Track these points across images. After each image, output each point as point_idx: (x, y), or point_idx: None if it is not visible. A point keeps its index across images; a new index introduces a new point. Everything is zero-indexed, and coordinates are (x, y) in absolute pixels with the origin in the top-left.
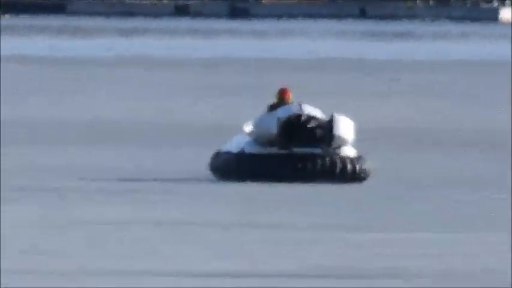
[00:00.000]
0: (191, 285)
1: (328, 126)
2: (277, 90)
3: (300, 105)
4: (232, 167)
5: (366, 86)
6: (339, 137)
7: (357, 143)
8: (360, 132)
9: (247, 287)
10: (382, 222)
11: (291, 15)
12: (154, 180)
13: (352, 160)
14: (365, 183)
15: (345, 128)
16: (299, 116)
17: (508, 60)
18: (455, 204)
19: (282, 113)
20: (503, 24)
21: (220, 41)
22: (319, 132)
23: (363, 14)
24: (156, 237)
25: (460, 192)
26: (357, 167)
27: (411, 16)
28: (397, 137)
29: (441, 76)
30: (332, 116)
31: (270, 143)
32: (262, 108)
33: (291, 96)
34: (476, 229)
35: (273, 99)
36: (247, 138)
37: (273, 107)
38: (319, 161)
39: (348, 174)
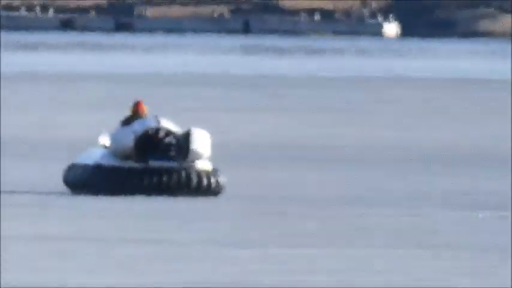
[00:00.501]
0: None
1: (184, 140)
2: (131, 104)
3: (156, 118)
4: (88, 180)
5: (242, 101)
6: (195, 151)
7: (215, 158)
8: (221, 147)
9: None
10: (253, 238)
11: (177, 30)
12: (10, 193)
13: (207, 174)
14: (220, 197)
15: (202, 142)
16: (156, 129)
17: (393, 74)
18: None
19: (138, 126)
20: (387, 38)
21: (104, 55)
22: (175, 146)
23: (246, 29)
24: (34, 252)
25: (305, 208)
26: (212, 180)
27: (296, 32)
28: (261, 152)
29: (323, 91)
30: (188, 130)
31: (127, 156)
32: (117, 122)
33: (146, 110)
34: (348, 244)
35: (127, 113)
36: (104, 151)
37: (126, 120)
38: (175, 175)
39: (203, 187)
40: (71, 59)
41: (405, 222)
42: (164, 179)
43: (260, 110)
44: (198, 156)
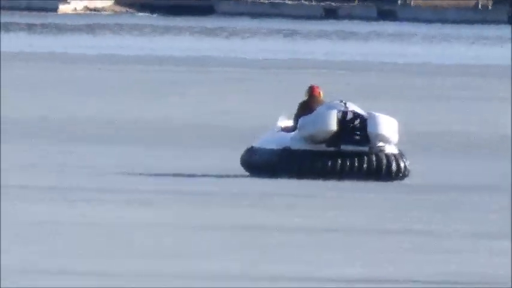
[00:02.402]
0: None
1: (373, 125)
2: (306, 88)
3: (344, 103)
4: (277, 163)
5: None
6: (384, 136)
7: (401, 144)
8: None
9: None
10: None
11: (440, 20)
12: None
13: (396, 158)
14: (406, 180)
15: (389, 127)
16: (345, 113)
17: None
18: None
19: (329, 109)
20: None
21: (367, 44)
22: (363, 130)
23: (511, 20)
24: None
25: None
26: (401, 165)
27: None
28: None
29: None
30: (376, 115)
31: (320, 140)
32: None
33: (321, 94)
34: None
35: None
36: (289, 135)
37: (304, 104)
38: (366, 159)
39: (392, 172)
40: (334, 47)
41: None
42: (356, 163)
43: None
44: (386, 141)
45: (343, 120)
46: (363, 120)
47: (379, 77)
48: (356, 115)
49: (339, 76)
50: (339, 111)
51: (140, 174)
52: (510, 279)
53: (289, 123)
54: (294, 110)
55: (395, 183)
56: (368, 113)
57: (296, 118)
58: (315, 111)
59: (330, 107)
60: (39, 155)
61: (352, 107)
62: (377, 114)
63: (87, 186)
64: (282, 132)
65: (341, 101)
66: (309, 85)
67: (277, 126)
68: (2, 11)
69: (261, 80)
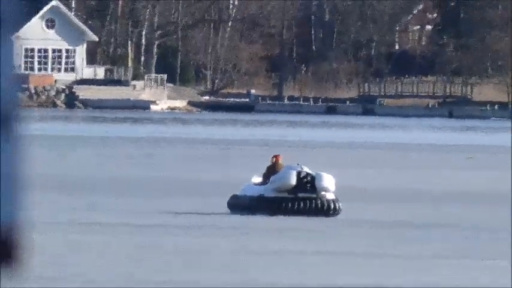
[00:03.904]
0: None
1: (317, 180)
2: (271, 157)
3: (299, 165)
4: (255, 206)
5: None
6: (325, 187)
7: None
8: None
9: None
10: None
11: (403, 115)
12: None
13: (333, 202)
14: (338, 216)
15: (329, 182)
16: (300, 172)
17: None
18: None
19: (290, 170)
20: None
21: (355, 131)
22: (313, 183)
23: None
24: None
25: None
26: (336, 206)
27: None
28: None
29: None
30: (321, 174)
31: (284, 190)
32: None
33: (280, 160)
34: None
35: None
36: (261, 187)
37: (271, 168)
38: (314, 202)
39: (330, 210)
40: (332, 133)
41: None
42: (308, 205)
43: None
44: (327, 190)
45: (299, 177)
46: (312, 177)
47: (351, 153)
48: (307, 173)
49: (330, 151)
50: (296, 171)
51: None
52: None
53: (259, 179)
54: (263, 171)
55: (332, 218)
56: (316, 172)
57: (264, 176)
58: (281, 170)
59: (291, 168)
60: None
61: (305, 168)
62: (322, 173)
63: None
64: (256, 186)
65: (298, 164)
66: (274, 154)
67: (252, 181)
68: (112, 109)
69: (260, 155)
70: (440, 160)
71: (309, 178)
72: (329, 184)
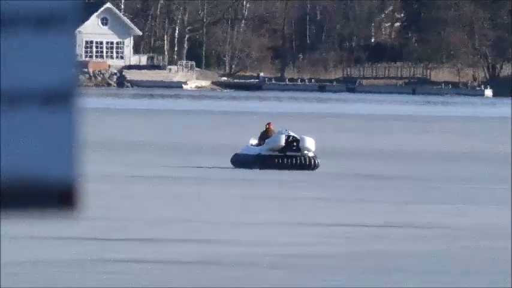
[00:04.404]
0: None
1: (302, 142)
2: (265, 124)
3: (287, 130)
4: (255, 161)
5: None
6: (307, 147)
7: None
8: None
9: None
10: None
11: (378, 92)
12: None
13: (313, 158)
14: (317, 170)
15: (310, 143)
16: (288, 136)
17: None
18: None
19: (280, 135)
20: None
21: (340, 104)
22: (297, 144)
23: None
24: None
25: None
26: (316, 162)
27: None
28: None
29: None
30: (304, 137)
31: (275, 150)
32: (256, 133)
33: (271, 126)
34: None
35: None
36: (257, 147)
37: (264, 133)
38: (300, 158)
39: (311, 165)
40: (321, 106)
41: None
42: (294, 161)
43: None
44: (308, 150)
45: (287, 140)
46: (297, 140)
47: (335, 121)
48: (293, 137)
49: (321, 120)
50: (285, 135)
51: None
52: None
53: (255, 141)
54: (258, 134)
55: (313, 171)
56: (300, 136)
57: (259, 139)
58: (274, 135)
59: (280, 133)
60: None
61: (292, 132)
62: (305, 136)
63: None
64: (253, 146)
65: (286, 130)
66: (267, 122)
67: (250, 142)
68: (153, 87)
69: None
70: (405, 126)
71: (294, 141)
72: (310, 145)
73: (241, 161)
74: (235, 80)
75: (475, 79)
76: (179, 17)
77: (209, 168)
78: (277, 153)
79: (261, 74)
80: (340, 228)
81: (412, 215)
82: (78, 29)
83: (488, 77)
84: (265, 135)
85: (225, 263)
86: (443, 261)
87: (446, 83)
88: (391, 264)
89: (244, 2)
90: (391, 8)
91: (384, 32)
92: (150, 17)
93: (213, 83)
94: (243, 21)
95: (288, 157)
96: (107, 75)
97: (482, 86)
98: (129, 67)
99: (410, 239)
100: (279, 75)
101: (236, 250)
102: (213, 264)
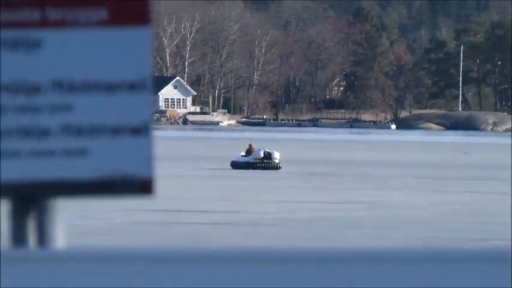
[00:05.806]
0: None
1: (272, 154)
2: (248, 145)
3: (263, 148)
4: (245, 166)
5: None
6: (276, 158)
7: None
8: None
9: None
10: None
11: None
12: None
13: (279, 163)
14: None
15: (277, 155)
16: (264, 151)
17: None
18: None
19: (259, 151)
20: None
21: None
22: (270, 156)
23: None
24: None
25: None
26: (280, 166)
27: None
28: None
29: None
30: (274, 151)
31: (257, 159)
32: (242, 151)
33: (253, 146)
34: None
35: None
36: (246, 157)
37: (248, 149)
38: (271, 163)
39: (277, 167)
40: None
41: None
42: (269, 165)
43: None
44: (276, 159)
45: (264, 153)
46: (270, 153)
47: (302, 143)
48: (268, 152)
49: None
50: (263, 150)
51: None
52: None
53: (243, 154)
54: (244, 150)
55: (278, 171)
56: (272, 150)
57: (246, 153)
58: (255, 151)
59: (260, 150)
60: None
61: (267, 149)
62: (274, 151)
63: None
64: (243, 157)
65: (263, 148)
66: (249, 143)
67: (240, 154)
68: (203, 125)
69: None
70: (346, 146)
71: (268, 154)
72: (277, 156)
73: (237, 165)
74: (249, 120)
75: (385, 119)
76: (217, 84)
77: (218, 169)
78: (258, 161)
79: (264, 117)
80: (299, 204)
81: (349, 196)
82: (160, 91)
83: (393, 117)
84: (249, 151)
85: (240, 223)
86: (366, 222)
87: (370, 121)
88: (338, 224)
89: (255, 75)
90: (337, 79)
91: (334, 92)
92: (201, 84)
93: (237, 122)
94: (254, 87)
95: (265, 163)
96: (177, 118)
97: (390, 123)
98: (189, 113)
99: (348, 209)
100: (275, 117)
101: (244, 216)
102: (230, 225)
